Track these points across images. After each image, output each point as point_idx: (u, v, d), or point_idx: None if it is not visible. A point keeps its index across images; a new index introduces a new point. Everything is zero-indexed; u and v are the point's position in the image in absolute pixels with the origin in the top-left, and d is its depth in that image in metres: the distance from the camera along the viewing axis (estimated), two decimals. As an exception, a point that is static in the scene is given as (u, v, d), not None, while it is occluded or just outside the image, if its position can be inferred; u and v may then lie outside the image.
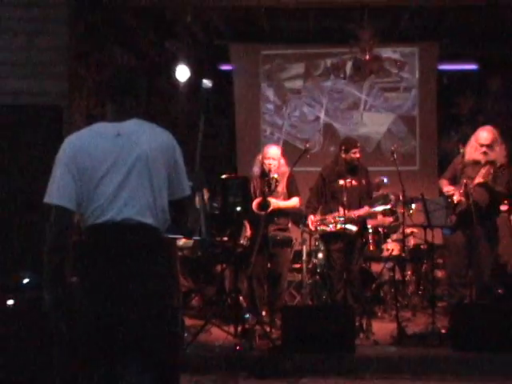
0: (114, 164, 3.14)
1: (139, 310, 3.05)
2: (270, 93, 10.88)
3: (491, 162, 7.10)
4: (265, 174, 7.57)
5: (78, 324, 3.09)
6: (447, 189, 7.27)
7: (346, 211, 7.32)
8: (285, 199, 7.61)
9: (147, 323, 3.07)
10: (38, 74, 5.23)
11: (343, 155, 7.62)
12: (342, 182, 7.42)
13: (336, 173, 7.62)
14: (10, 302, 4.55)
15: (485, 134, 7.17)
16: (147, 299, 3.08)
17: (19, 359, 4.49)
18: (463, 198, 7.01)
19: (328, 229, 7.48)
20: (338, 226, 7.37)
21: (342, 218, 7.32)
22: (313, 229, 7.59)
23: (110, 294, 3.04)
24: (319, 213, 7.62)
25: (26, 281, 4.66)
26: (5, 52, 5.27)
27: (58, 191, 3.08)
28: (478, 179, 7.03)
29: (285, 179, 7.61)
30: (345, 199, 7.31)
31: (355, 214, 7.44)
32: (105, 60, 9.35)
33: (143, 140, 3.21)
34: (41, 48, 5.27)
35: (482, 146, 7.12)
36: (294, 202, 7.67)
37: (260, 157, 7.69)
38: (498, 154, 7.14)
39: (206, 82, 4.85)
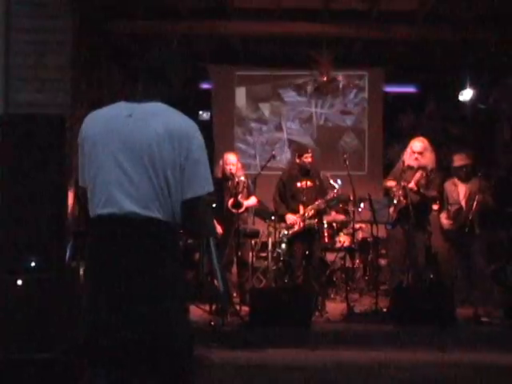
0: (118, 148, 2.52)
1: (142, 310, 2.45)
2: (243, 108, 10.87)
3: (423, 168, 7.24)
4: (226, 177, 7.64)
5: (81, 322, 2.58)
6: (390, 183, 7.45)
7: (304, 208, 7.38)
8: (245, 198, 7.69)
9: (150, 325, 2.47)
10: (46, 89, 5.20)
11: (297, 160, 7.68)
12: (299, 184, 7.48)
13: (293, 176, 7.67)
14: (19, 282, 4.51)
15: (417, 143, 7.34)
16: (152, 300, 2.47)
17: (30, 336, 4.45)
18: (402, 199, 7.13)
19: (295, 229, 7.53)
20: (302, 225, 7.42)
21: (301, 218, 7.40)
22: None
23: (111, 293, 2.47)
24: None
25: (33, 264, 4.62)
26: (18, 70, 5.23)
27: (78, 172, 2.65)
28: (414, 182, 7.15)
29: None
30: (304, 198, 7.37)
31: (311, 208, 7.48)
32: (103, 77, 9.31)
33: (153, 123, 2.51)
34: (48, 67, 5.24)
35: (414, 153, 7.26)
36: (253, 200, 7.82)
37: (221, 162, 7.77)
38: (429, 159, 7.30)
39: (204, 114, 4.82)
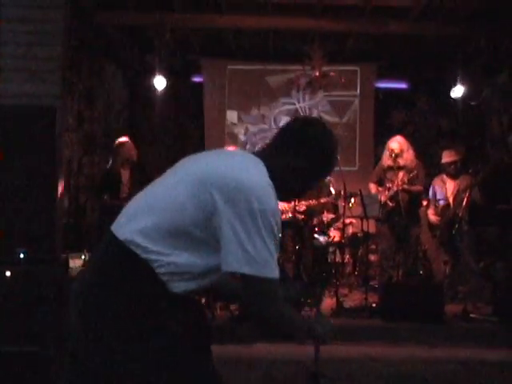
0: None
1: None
2: (233, 102, 10.84)
3: (402, 167, 7.29)
4: None
5: None
6: (373, 189, 7.66)
7: (298, 201, 7.42)
8: None
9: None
10: (36, 80, 5.16)
11: None
12: None
13: None
14: (8, 273, 4.48)
15: (394, 144, 7.41)
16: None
17: (19, 329, 4.43)
18: (388, 201, 7.23)
19: (283, 217, 7.54)
20: (289, 216, 7.44)
21: (291, 209, 7.41)
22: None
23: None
24: None
25: (22, 255, 4.59)
26: (8, 60, 5.18)
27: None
28: (398, 183, 7.21)
29: None
30: None
31: (303, 204, 7.50)
32: (94, 69, 9.29)
33: (199, 163, 2.27)
34: (38, 57, 5.20)
35: (391, 154, 7.31)
36: None
37: None
38: (407, 159, 7.34)
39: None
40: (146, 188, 2.35)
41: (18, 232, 4.63)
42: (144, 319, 2.12)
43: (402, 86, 11.33)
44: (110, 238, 2.22)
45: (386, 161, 7.38)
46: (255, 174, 2.17)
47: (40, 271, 4.58)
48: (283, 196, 2.35)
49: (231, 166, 2.19)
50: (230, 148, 7.76)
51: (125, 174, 7.39)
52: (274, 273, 2.12)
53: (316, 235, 7.75)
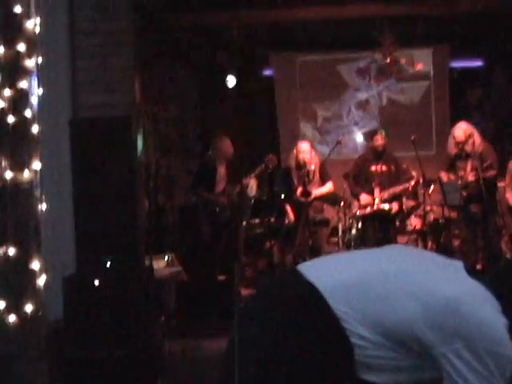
0: None
1: None
2: (305, 95, 10.75)
3: (471, 154, 7.10)
4: (299, 166, 7.63)
5: None
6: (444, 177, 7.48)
7: (380, 192, 7.43)
8: (319, 185, 7.68)
9: None
10: (111, 90, 5.29)
11: (370, 143, 7.74)
12: (373, 167, 7.54)
13: (368, 160, 7.74)
14: (96, 282, 4.61)
15: (458, 132, 7.19)
16: None
17: (109, 335, 4.56)
18: (463, 191, 7.09)
19: (367, 211, 7.58)
20: (375, 207, 7.44)
21: (377, 200, 7.42)
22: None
23: None
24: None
25: (108, 264, 4.71)
26: (85, 72, 5.34)
27: None
28: (470, 175, 7.04)
29: (317, 169, 7.70)
30: (378, 182, 7.42)
31: (386, 193, 7.50)
32: (166, 71, 9.43)
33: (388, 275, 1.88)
34: (111, 68, 5.33)
35: (457, 143, 7.14)
36: (329, 187, 7.77)
37: (295, 151, 7.78)
38: (475, 144, 7.13)
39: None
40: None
41: (103, 240, 4.75)
42: None
43: (478, 63, 11.01)
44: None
45: (453, 149, 7.25)
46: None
47: (126, 277, 4.70)
48: None
49: None
50: (304, 144, 7.78)
51: (221, 170, 7.51)
52: None
53: None
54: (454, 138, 7.24)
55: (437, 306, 1.77)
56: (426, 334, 1.76)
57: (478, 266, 7.17)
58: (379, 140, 7.64)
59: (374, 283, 1.85)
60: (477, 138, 7.22)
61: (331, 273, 1.92)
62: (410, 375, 1.84)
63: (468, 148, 7.14)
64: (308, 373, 1.81)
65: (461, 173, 7.17)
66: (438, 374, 1.77)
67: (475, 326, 1.74)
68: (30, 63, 3.47)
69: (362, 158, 8.00)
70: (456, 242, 8.48)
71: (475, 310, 1.76)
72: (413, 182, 7.58)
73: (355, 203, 7.84)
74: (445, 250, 8.43)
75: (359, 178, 7.77)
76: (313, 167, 7.60)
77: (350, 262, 2.00)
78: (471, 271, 1.91)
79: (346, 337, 1.80)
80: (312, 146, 7.90)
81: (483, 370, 1.70)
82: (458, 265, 1.94)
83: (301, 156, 7.62)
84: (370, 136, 7.91)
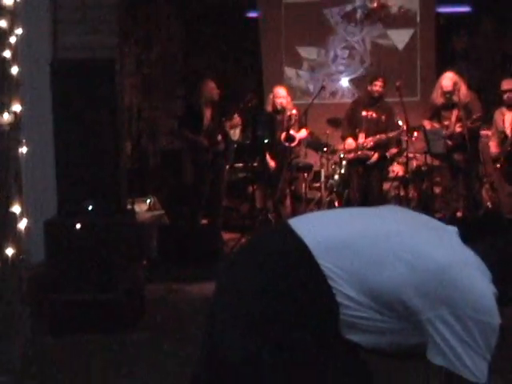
0: None
1: None
2: (290, 38, 10.59)
3: (457, 104, 7.08)
4: (277, 111, 7.63)
5: None
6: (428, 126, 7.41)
7: (365, 138, 7.44)
8: (297, 131, 7.68)
9: None
10: (93, 31, 5.15)
11: (368, 87, 7.68)
12: (364, 112, 7.48)
13: (361, 104, 7.68)
14: (78, 225, 4.59)
15: (446, 82, 7.15)
16: None
17: (91, 278, 4.56)
18: (448, 140, 7.09)
19: (350, 156, 7.58)
20: (359, 152, 7.46)
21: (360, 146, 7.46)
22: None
23: None
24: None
25: (90, 207, 4.68)
26: (67, 11, 5.18)
27: None
28: (456, 125, 7.02)
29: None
30: (365, 128, 7.43)
31: (371, 140, 7.47)
32: (150, 12, 9.24)
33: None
34: (94, 7, 5.17)
35: (444, 92, 7.10)
36: (304, 133, 7.76)
37: (271, 96, 7.76)
38: (460, 95, 7.10)
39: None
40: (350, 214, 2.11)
41: (84, 183, 4.72)
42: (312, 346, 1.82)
43: (465, 9, 10.86)
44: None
45: (439, 98, 7.20)
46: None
47: (108, 221, 4.68)
48: None
49: None
50: (281, 89, 7.72)
51: (207, 113, 7.50)
52: None
53: None
54: (441, 87, 7.19)
55: (425, 271, 1.75)
56: (413, 299, 1.75)
57: (459, 214, 7.25)
58: (378, 86, 7.55)
59: (364, 244, 1.84)
60: (463, 87, 7.19)
61: (322, 230, 1.90)
62: (394, 338, 1.84)
63: (455, 98, 7.11)
64: (293, 327, 1.80)
65: (445, 122, 7.15)
66: (422, 340, 1.78)
67: (463, 292, 1.72)
68: (8, 1, 3.37)
69: (355, 102, 7.94)
70: (437, 190, 8.54)
71: (464, 277, 1.75)
72: (398, 132, 7.57)
73: (340, 148, 7.83)
74: (426, 197, 8.51)
75: (351, 121, 7.71)
76: (294, 111, 7.56)
77: (344, 221, 1.98)
78: (465, 238, 1.89)
79: (333, 295, 1.79)
80: (288, 92, 7.86)
81: (468, 338, 1.70)
82: (452, 231, 1.92)
83: (278, 101, 7.60)
84: (370, 78, 7.81)
